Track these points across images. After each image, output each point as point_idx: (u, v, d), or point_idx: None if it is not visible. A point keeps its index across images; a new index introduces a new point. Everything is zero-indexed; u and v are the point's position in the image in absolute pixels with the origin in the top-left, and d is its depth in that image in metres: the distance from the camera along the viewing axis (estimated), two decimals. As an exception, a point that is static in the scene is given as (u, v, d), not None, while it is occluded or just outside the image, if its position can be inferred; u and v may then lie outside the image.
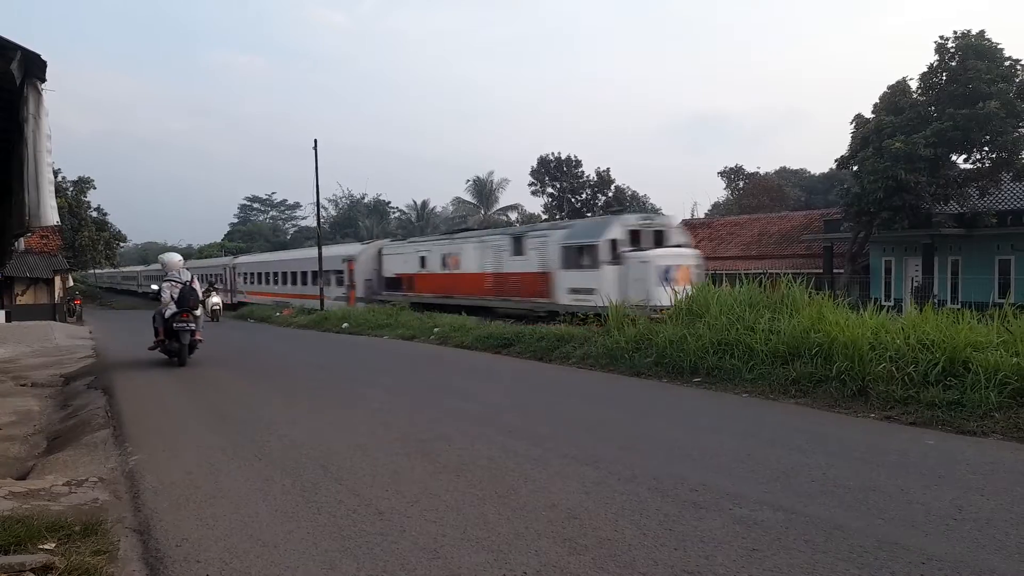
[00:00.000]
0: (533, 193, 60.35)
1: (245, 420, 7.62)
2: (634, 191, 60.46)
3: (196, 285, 12.86)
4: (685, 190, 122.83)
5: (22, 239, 9.89)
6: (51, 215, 5.70)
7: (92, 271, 60.71)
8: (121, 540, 4.05)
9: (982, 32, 31.56)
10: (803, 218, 41.94)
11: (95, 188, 49.98)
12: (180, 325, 12.07)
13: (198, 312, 12.61)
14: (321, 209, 34.83)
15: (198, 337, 12.71)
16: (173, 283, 12.51)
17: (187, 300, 12.30)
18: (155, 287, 14.99)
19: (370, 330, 20.64)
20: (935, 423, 6.44)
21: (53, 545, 3.88)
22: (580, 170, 58.74)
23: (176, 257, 13.42)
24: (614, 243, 20.14)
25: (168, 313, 12.30)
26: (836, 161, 37.39)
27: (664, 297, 14.23)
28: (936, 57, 32.39)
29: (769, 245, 39.98)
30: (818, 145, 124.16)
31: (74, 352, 17.25)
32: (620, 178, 61.48)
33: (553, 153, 58.54)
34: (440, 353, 14.68)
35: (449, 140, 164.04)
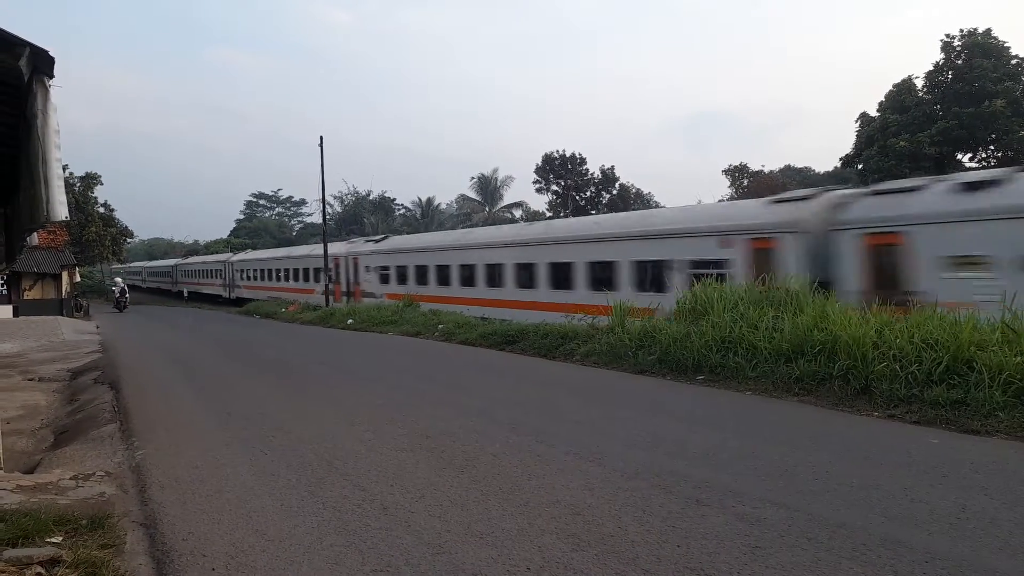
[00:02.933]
0: (538, 190, 60.31)
1: (251, 415, 7.66)
2: (638, 188, 60.42)
3: (125, 287, 42.27)
4: (689, 188, 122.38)
5: (35, 234, 9.92)
6: (60, 211, 5.73)
7: (98, 266, 60.96)
8: (128, 534, 4.08)
9: (988, 30, 31.42)
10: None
11: (102, 184, 50.09)
12: (120, 300, 39.97)
13: (127, 295, 41.46)
14: (327, 206, 34.84)
15: (127, 306, 40.28)
16: (118, 286, 41.89)
17: (123, 292, 40.81)
18: (114, 288, 43.74)
19: (375, 327, 20.68)
20: (939, 422, 6.44)
21: (60, 538, 3.91)
22: (584, 168, 58.63)
23: (119, 278, 49.11)
24: None
25: (116, 295, 40.76)
26: (841, 160, 37.35)
27: None
28: (942, 55, 32.26)
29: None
30: (823, 143, 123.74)
31: (81, 347, 17.33)
32: (624, 175, 61.42)
33: (558, 150, 58.48)
34: (444, 350, 14.71)
35: (455, 137, 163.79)
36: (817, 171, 61.55)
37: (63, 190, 5.74)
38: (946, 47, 31.99)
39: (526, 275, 20.53)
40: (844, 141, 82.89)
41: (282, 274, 40.66)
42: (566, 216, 51.71)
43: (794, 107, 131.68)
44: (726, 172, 56.41)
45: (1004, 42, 31.17)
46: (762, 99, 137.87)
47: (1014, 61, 30.91)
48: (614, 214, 32.46)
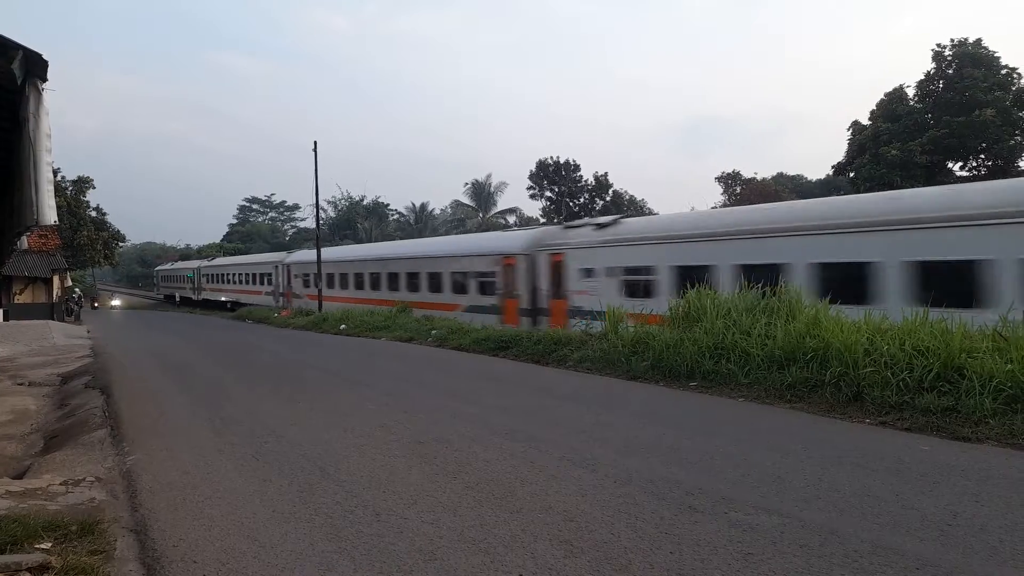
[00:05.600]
0: (532, 196, 60.48)
1: (242, 421, 7.63)
2: (631, 195, 60.60)
3: (81, 294, 46.18)
4: (683, 194, 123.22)
5: (24, 237, 9.89)
6: (49, 215, 5.72)
7: (90, 270, 60.68)
8: (118, 540, 4.06)
9: (979, 40, 31.72)
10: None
11: (94, 188, 49.89)
12: (80, 301, 41.72)
13: (88, 303, 49.08)
14: (320, 211, 35.03)
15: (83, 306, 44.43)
16: (77, 293, 42.58)
17: (80, 296, 43.63)
18: (74, 295, 40.94)
19: (368, 332, 20.65)
20: (930, 429, 6.47)
21: (50, 544, 3.89)
22: (578, 174, 58.84)
23: (77, 287, 47.89)
24: None
25: (76, 298, 40.46)
26: (833, 167, 37.57)
27: None
28: (933, 65, 32.54)
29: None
30: (819, 150, 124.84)
31: (72, 351, 17.23)
32: (618, 182, 61.63)
33: (552, 157, 58.69)
34: (437, 355, 14.69)
35: (449, 142, 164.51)
36: (810, 179, 61.90)
37: (52, 194, 5.73)
38: (937, 56, 32.28)
39: (393, 281, 27.26)
40: (839, 148, 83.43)
41: (234, 278, 47.20)
42: (560, 221, 51.96)
43: (791, 114, 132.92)
44: (719, 179, 56.69)
45: (994, 52, 31.48)
46: (759, 105, 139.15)
47: (1004, 71, 31.20)
48: (443, 237, 42.74)
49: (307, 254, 38.25)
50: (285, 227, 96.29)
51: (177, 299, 61.80)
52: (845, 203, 14.57)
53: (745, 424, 7.05)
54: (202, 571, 3.65)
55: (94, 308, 51.43)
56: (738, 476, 5.13)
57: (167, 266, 72.71)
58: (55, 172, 45.36)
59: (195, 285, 56.22)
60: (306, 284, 34.74)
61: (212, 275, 52.47)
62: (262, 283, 41.52)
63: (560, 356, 12.16)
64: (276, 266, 39.17)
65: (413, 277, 25.78)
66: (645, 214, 52.83)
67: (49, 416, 8.92)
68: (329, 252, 35.85)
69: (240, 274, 46.28)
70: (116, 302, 58.62)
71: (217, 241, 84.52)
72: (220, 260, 56.59)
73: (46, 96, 5.58)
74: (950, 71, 31.74)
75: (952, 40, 32.17)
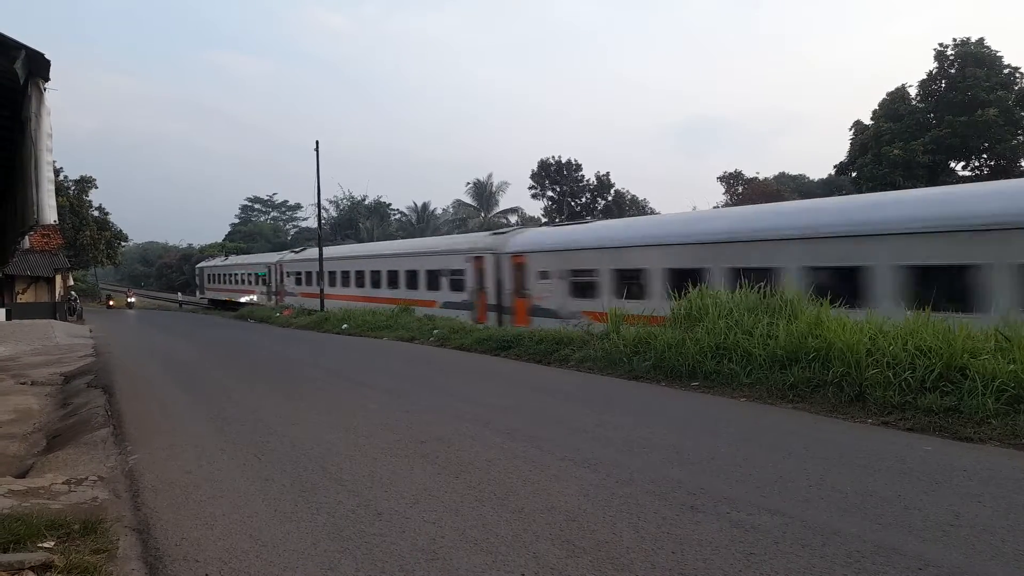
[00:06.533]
0: (533, 196, 60.49)
1: (245, 420, 7.63)
2: (633, 195, 60.57)
3: (78, 297, 41.51)
4: (685, 194, 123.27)
5: (27, 237, 9.92)
6: (50, 214, 5.73)
7: (92, 270, 60.68)
8: (120, 539, 4.07)
9: (981, 40, 31.67)
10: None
11: (96, 187, 49.98)
12: (76, 305, 39.77)
13: (78, 304, 41.01)
14: (322, 210, 34.61)
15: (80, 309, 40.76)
16: (73, 295, 40.53)
17: (76, 299, 40.29)
18: (70, 299, 39.12)
19: (370, 331, 20.65)
20: (932, 429, 6.46)
21: (52, 543, 3.89)
22: (580, 174, 58.86)
23: (72, 293, 41.82)
24: None
25: (71, 300, 39.03)
26: (835, 167, 37.54)
27: None
28: (935, 64, 32.49)
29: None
30: (816, 151, 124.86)
31: (74, 351, 17.26)
32: (620, 182, 61.69)
33: (554, 156, 58.72)
34: (439, 355, 14.69)
35: (449, 142, 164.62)
36: (812, 178, 61.83)
37: (53, 193, 5.74)
38: (939, 56, 32.23)
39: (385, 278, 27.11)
40: (840, 148, 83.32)
41: (360, 280, 31.03)
42: (560, 222, 51.96)
43: (791, 114, 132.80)
44: (721, 179, 56.66)
45: (996, 51, 31.44)
46: (759, 105, 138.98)
47: (1007, 70, 31.15)
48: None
49: (552, 234, 20.86)
50: (287, 227, 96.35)
51: (179, 300, 61.36)
52: None
53: (747, 424, 7.05)
54: (204, 570, 3.65)
55: (109, 307, 51.28)
56: (740, 476, 5.12)
57: (217, 261, 56.15)
58: (57, 172, 45.54)
59: (272, 288, 40.08)
60: (582, 291, 17.86)
61: (307, 274, 35.04)
62: (432, 287, 24.75)
63: (562, 356, 12.15)
64: (474, 258, 22.41)
65: (394, 275, 20.84)
66: (646, 213, 52.82)
67: (52, 415, 8.94)
68: (606, 228, 19.82)
69: (376, 272, 28.43)
70: (132, 299, 57.50)
71: (219, 241, 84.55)
72: (320, 251, 32.19)
73: (47, 95, 5.59)
74: (952, 70, 31.70)
75: (954, 39, 32.14)
